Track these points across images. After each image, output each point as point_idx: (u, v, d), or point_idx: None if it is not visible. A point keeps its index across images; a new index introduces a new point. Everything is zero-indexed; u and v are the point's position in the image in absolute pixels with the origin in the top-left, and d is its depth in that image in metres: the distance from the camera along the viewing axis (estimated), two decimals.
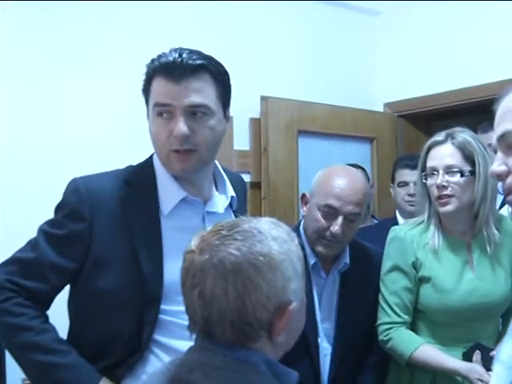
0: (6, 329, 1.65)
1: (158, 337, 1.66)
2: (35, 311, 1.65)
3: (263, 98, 3.74)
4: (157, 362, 1.63)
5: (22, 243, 1.73)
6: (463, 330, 2.21)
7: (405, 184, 3.43)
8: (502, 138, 1.21)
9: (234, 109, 3.54)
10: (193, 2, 3.48)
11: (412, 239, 2.26)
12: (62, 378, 1.61)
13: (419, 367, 2.21)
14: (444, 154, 2.18)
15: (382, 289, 2.29)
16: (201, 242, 1.22)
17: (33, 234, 1.72)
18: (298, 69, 3.97)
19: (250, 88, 3.68)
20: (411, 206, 3.38)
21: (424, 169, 2.24)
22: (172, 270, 1.60)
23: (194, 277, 1.20)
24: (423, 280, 2.24)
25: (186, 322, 1.57)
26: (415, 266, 2.25)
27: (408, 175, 3.37)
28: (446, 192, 2.16)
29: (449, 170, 2.17)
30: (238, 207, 1.88)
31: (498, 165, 1.22)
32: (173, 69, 1.62)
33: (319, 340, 2.24)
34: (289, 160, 3.72)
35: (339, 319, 2.29)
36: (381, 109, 4.42)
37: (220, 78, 1.69)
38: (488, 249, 2.24)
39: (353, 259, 2.31)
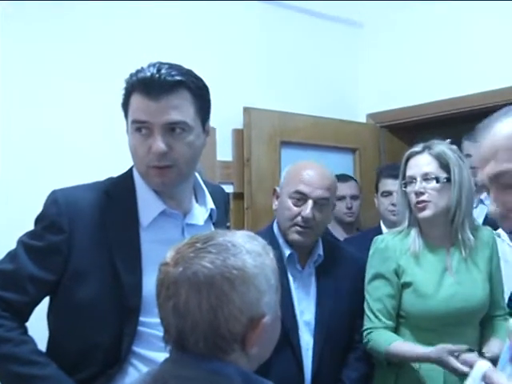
0: None
1: (137, 348, 1.66)
2: (14, 323, 1.65)
3: (246, 109, 3.75)
4: (135, 374, 1.63)
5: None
6: (445, 335, 2.26)
7: (388, 194, 3.44)
8: (495, 178, 1.21)
9: (216, 120, 3.57)
10: (176, 13, 3.49)
11: (394, 247, 2.37)
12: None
13: (403, 367, 2.29)
14: (421, 162, 2.32)
15: (367, 296, 2.39)
16: (176, 254, 1.23)
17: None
18: (281, 80, 3.98)
19: (233, 99, 3.69)
20: (394, 215, 3.39)
21: (404, 178, 2.37)
22: (151, 282, 1.57)
23: (168, 289, 1.20)
24: (405, 286, 2.33)
25: None
26: (397, 272, 2.35)
27: (391, 185, 3.38)
28: (423, 198, 2.29)
29: (426, 177, 2.30)
30: (219, 218, 1.90)
31: (494, 208, 1.23)
32: (151, 85, 1.62)
33: (300, 333, 2.28)
34: (272, 171, 3.73)
35: (318, 310, 2.35)
36: (364, 120, 4.44)
37: (199, 93, 1.70)
38: (463, 253, 2.34)
39: (326, 253, 2.41)
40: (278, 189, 2.46)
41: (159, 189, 1.73)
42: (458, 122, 4.10)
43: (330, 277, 2.39)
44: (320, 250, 2.41)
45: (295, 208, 2.33)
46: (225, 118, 3.69)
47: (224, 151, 3.71)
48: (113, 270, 1.65)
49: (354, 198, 3.75)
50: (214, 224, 1.86)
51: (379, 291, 2.36)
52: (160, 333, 1.53)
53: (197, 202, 1.86)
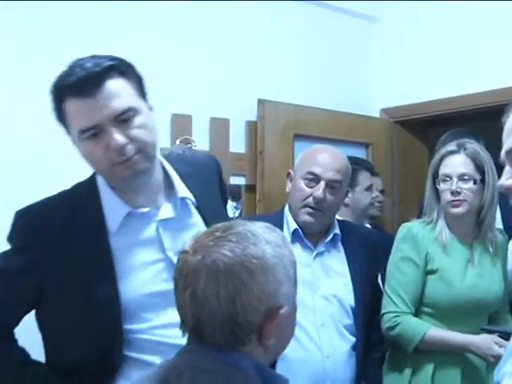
0: None
1: (130, 353, 1.60)
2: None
3: (260, 101, 3.74)
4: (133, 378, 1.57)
5: None
6: (462, 324, 2.39)
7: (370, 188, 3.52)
8: (510, 152, 1.22)
9: (230, 111, 3.65)
10: (191, 3, 3.49)
11: (423, 235, 2.46)
12: None
13: (420, 361, 2.37)
14: (457, 162, 2.43)
15: (390, 279, 2.48)
16: (195, 242, 1.23)
17: None
18: (296, 72, 3.97)
19: (247, 91, 3.70)
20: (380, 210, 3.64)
21: (436, 175, 2.47)
22: (130, 289, 1.59)
23: (187, 277, 1.20)
24: (431, 272, 2.43)
25: (156, 338, 1.59)
26: (426, 259, 2.43)
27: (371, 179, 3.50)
28: (459, 197, 2.40)
29: (462, 177, 2.41)
30: (209, 195, 1.81)
31: (506, 179, 1.23)
32: (83, 84, 1.50)
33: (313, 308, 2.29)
34: (284, 163, 3.71)
35: (337, 286, 2.38)
36: (377, 114, 4.42)
37: (130, 71, 1.60)
38: (490, 249, 2.47)
39: (343, 232, 2.47)
40: (291, 171, 2.49)
41: (130, 181, 1.61)
42: (472, 118, 4.10)
43: (349, 255, 2.44)
44: (336, 229, 2.44)
45: (307, 189, 2.36)
46: (238, 110, 3.70)
47: (237, 143, 3.71)
48: (86, 285, 1.58)
49: (382, 192, 3.77)
50: (198, 208, 1.75)
51: (406, 276, 2.43)
52: (151, 336, 1.58)
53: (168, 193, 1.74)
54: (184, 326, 1.24)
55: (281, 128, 3.80)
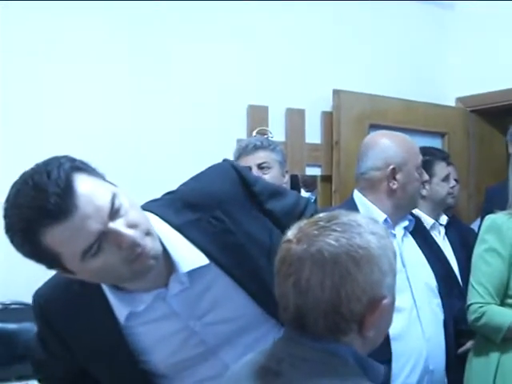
0: None
1: None
2: None
3: (335, 92, 3.73)
4: None
5: None
6: None
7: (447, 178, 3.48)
8: None
9: (305, 102, 3.66)
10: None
11: (508, 226, 2.41)
12: None
13: (507, 348, 2.35)
14: None
15: (475, 270, 2.45)
16: (298, 232, 1.23)
17: None
18: (371, 62, 3.94)
19: (323, 81, 3.70)
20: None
21: None
22: (157, 361, 1.52)
23: (290, 265, 1.20)
24: None
25: None
26: (511, 250, 2.39)
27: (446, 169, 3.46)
28: None
29: None
30: (235, 219, 1.53)
31: None
32: (52, 210, 1.24)
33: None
34: None
35: (424, 272, 2.46)
36: (453, 103, 4.35)
37: (90, 167, 1.37)
38: None
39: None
40: (394, 166, 2.43)
41: (151, 269, 1.39)
42: None
43: (417, 239, 2.52)
44: (409, 216, 2.53)
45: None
46: (314, 101, 3.70)
47: (313, 133, 3.72)
48: (109, 366, 1.52)
49: (456, 181, 3.72)
50: (214, 260, 1.49)
51: (491, 266, 2.40)
52: None
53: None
54: (285, 314, 1.24)
55: (356, 118, 3.78)
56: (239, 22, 3.42)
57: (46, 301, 1.52)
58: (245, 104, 3.44)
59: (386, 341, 2.21)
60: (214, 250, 1.48)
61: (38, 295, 1.54)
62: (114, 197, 1.31)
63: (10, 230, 1.28)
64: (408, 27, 4.16)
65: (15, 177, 1.33)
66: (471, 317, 2.40)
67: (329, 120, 3.74)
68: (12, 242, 1.29)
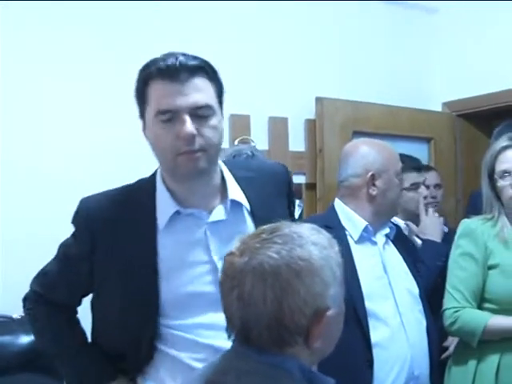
0: (36, 333, 1.88)
1: (163, 347, 1.68)
2: (58, 317, 1.81)
3: (318, 99, 3.73)
4: (164, 372, 1.69)
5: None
6: None
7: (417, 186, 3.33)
8: None
9: (289, 110, 3.65)
10: (245, 3, 3.50)
11: (482, 230, 2.44)
12: (77, 375, 1.79)
13: (484, 353, 2.34)
14: None
15: (450, 275, 2.47)
16: (241, 244, 1.24)
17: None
18: (354, 69, 3.94)
19: (305, 89, 3.70)
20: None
21: (491, 172, 2.46)
22: (171, 286, 1.66)
23: (233, 279, 1.21)
24: (492, 267, 2.40)
25: (190, 336, 1.64)
26: (486, 254, 2.41)
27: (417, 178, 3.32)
28: None
29: None
30: (266, 204, 1.79)
31: None
32: (174, 71, 1.58)
33: (366, 303, 2.30)
34: None
35: (407, 280, 2.46)
36: (439, 108, 4.35)
37: (215, 77, 1.67)
38: None
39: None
40: (373, 172, 2.44)
41: (188, 177, 1.65)
42: None
43: (398, 247, 2.51)
44: (390, 223, 2.53)
45: None
46: (297, 108, 3.70)
47: (296, 142, 3.72)
48: (128, 278, 1.66)
49: (437, 186, 3.68)
50: (252, 213, 1.76)
51: (466, 271, 2.42)
52: (187, 335, 1.64)
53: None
54: (230, 327, 1.24)
55: (340, 125, 3.78)
56: (219, 31, 3.42)
57: (89, 206, 1.73)
58: (226, 113, 3.41)
59: (367, 347, 2.24)
60: (254, 202, 1.76)
61: (83, 201, 1.76)
62: (209, 107, 1.60)
63: (144, 69, 1.64)
64: (391, 32, 4.16)
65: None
66: (446, 322, 2.41)
67: (312, 127, 3.75)
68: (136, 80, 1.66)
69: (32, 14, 3.00)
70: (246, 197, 1.76)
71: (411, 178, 3.26)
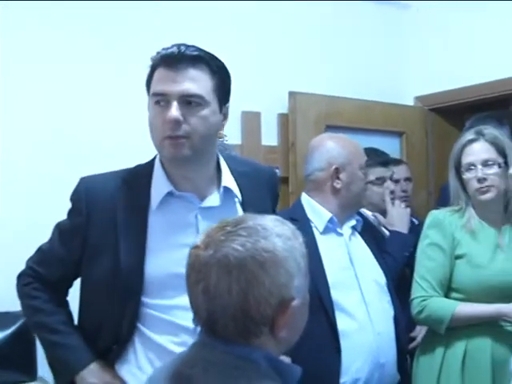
0: (26, 309, 1.92)
1: (142, 327, 1.75)
2: (49, 295, 1.86)
3: (291, 94, 3.74)
4: (141, 353, 1.75)
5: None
6: None
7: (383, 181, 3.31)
8: None
9: (261, 104, 3.65)
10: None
11: (450, 221, 2.51)
12: (58, 355, 1.83)
13: (451, 340, 2.41)
14: (479, 149, 2.48)
15: (418, 265, 2.53)
16: (206, 237, 1.25)
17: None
18: (327, 63, 3.96)
19: (278, 84, 3.70)
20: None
21: (458, 165, 2.51)
22: (157, 265, 1.73)
23: (199, 272, 1.22)
24: (459, 257, 2.47)
25: (168, 317, 1.70)
26: (453, 244, 2.48)
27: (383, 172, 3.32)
28: (486, 184, 2.44)
29: (486, 163, 2.45)
30: (254, 199, 1.87)
31: None
32: (172, 58, 1.69)
33: (332, 292, 2.35)
34: None
35: (373, 270, 2.53)
36: (411, 102, 4.38)
37: (218, 71, 1.74)
38: None
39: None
40: (337, 166, 2.51)
41: (172, 162, 1.75)
42: (509, 103, 4.02)
43: (365, 239, 2.58)
44: (357, 216, 2.60)
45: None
46: (270, 103, 3.71)
47: (269, 136, 3.73)
48: (117, 253, 1.74)
49: (407, 180, 3.70)
50: (242, 205, 1.86)
51: (434, 261, 2.48)
52: (165, 316, 1.71)
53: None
54: (197, 319, 1.26)
55: (312, 120, 3.80)
56: (193, 25, 3.41)
57: (88, 183, 1.83)
58: None
59: (334, 335, 2.31)
60: (246, 194, 1.85)
61: (82, 179, 1.85)
62: (198, 96, 1.67)
63: (152, 57, 1.75)
64: (364, 27, 4.18)
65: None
66: (414, 311, 2.46)
67: (285, 122, 3.76)
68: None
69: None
70: (240, 189, 1.86)
71: (377, 172, 3.27)
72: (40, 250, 1.91)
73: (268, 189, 1.99)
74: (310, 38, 3.91)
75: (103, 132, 3.11)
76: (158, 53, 1.75)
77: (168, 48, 1.73)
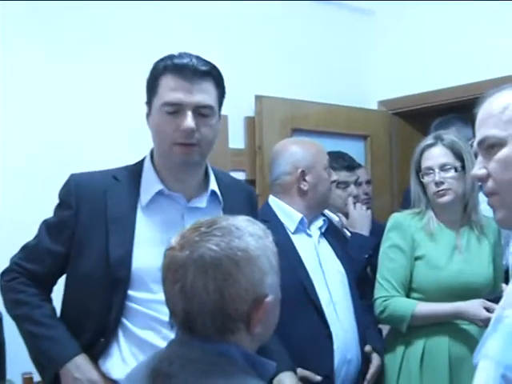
0: (10, 303, 1.94)
1: (126, 321, 1.81)
2: (35, 290, 1.90)
3: (258, 97, 3.78)
4: (125, 347, 1.80)
5: (22, 241, 1.97)
6: None
7: (346, 185, 3.32)
8: (481, 142, 1.27)
9: (228, 108, 3.56)
10: (186, 3, 3.51)
11: (410, 223, 2.58)
12: (43, 348, 1.86)
13: (411, 339, 2.49)
14: (437, 154, 2.54)
15: (380, 266, 2.60)
16: (181, 238, 1.28)
17: (25, 231, 1.97)
18: (293, 68, 4.00)
19: (245, 87, 3.71)
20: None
21: (419, 169, 2.58)
22: (142, 258, 1.80)
23: (176, 272, 1.25)
24: (418, 258, 2.55)
25: (152, 312, 1.75)
26: (413, 246, 2.55)
27: (348, 177, 3.34)
28: (443, 187, 2.50)
29: (443, 167, 2.51)
30: (235, 208, 1.89)
31: (478, 168, 1.29)
32: (186, 69, 1.80)
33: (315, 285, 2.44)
34: None
35: (338, 268, 2.59)
36: (375, 106, 4.46)
37: (220, 82, 1.89)
38: (476, 231, 2.59)
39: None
40: (303, 169, 2.57)
41: (182, 167, 1.85)
42: (471, 108, 4.08)
43: (331, 242, 2.63)
44: (322, 217, 2.67)
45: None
46: (237, 106, 3.69)
47: (236, 139, 3.75)
48: (105, 246, 1.82)
49: (368, 183, 3.75)
50: (223, 210, 1.94)
51: (395, 262, 2.55)
52: (149, 311, 1.77)
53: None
54: (173, 318, 1.29)
55: (279, 123, 3.84)
56: (160, 26, 3.42)
57: (77, 179, 1.90)
58: None
59: (325, 324, 2.40)
60: (226, 203, 1.96)
61: (72, 175, 1.92)
62: (211, 108, 1.83)
63: (160, 62, 1.86)
64: (329, 33, 4.24)
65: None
66: (377, 310, 2.54)
67: (252, 125, 3.80)
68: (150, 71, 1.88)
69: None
70: (221, 195, 1.98)
71: (341, 176, 3.29)
72: (25, 247, 1.95)
73: (246, 204, 2.07)
74: (277, 42, 3.95)
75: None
76: (166, 58, 1.84)
77: (179, 57, 1.83)
